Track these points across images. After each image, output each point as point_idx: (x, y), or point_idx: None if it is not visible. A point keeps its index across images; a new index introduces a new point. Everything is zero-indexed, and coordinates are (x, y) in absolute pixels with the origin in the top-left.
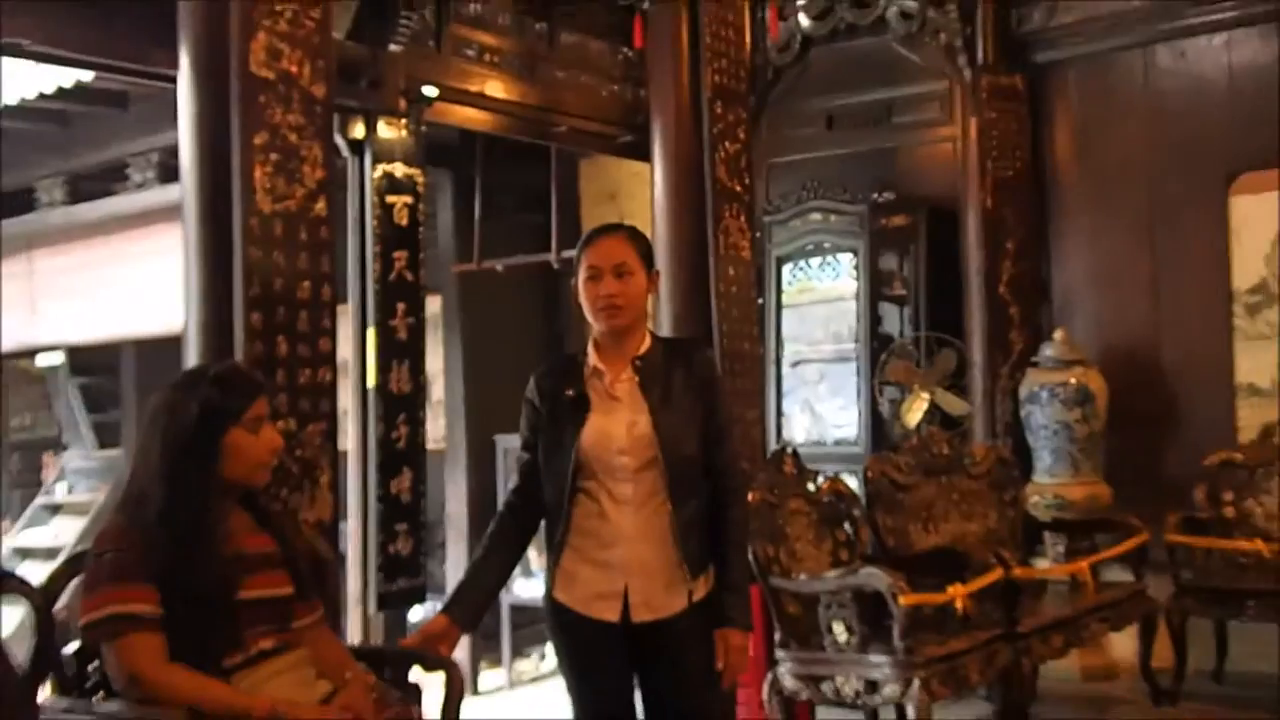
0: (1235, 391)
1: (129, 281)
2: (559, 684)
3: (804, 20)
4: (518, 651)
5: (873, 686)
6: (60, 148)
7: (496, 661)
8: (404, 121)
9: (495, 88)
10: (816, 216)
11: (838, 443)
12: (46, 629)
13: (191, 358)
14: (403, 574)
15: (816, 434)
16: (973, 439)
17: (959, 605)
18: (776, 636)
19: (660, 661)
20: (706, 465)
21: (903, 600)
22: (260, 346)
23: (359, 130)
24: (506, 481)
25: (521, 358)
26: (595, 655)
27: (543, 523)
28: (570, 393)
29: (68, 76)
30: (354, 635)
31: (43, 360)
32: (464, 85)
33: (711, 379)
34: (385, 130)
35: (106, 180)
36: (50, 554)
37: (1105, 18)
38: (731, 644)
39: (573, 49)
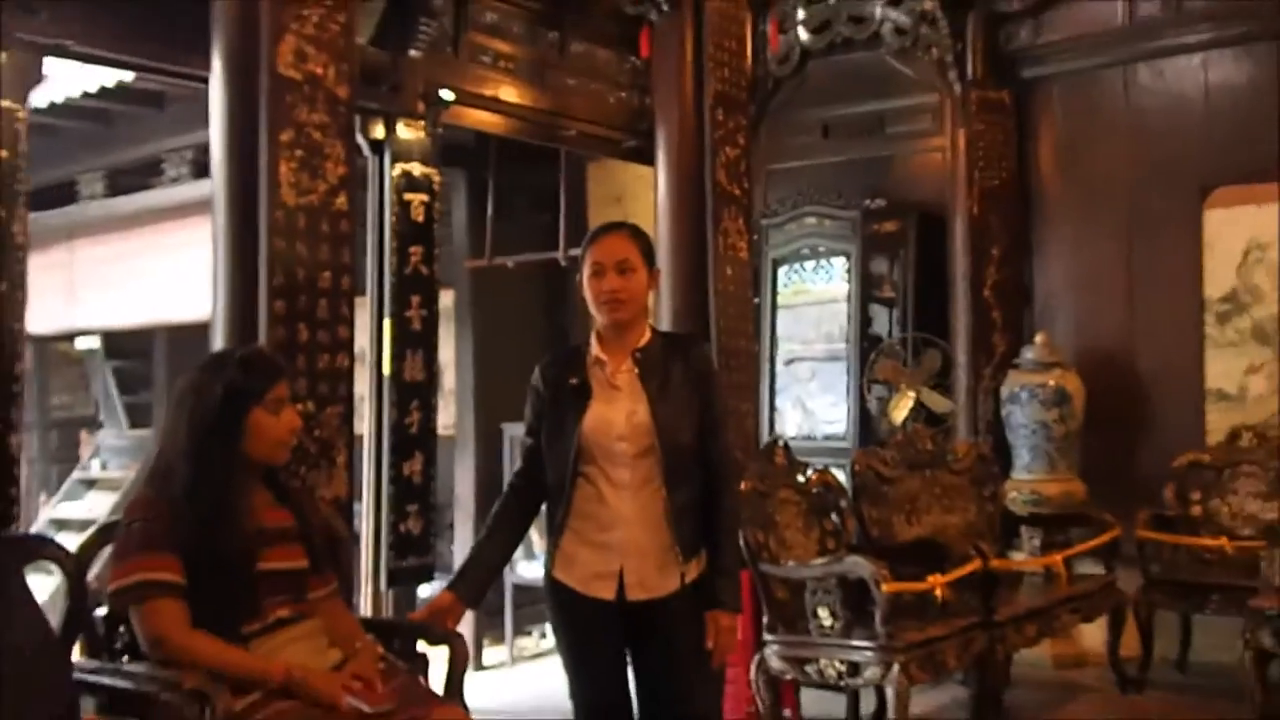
0: (1205, 396)
1: (162, 271)
2: (558, 661)
3: (803, 34)
4: (520, 629)
5: (855, 669)
6: (101, 144)
7: (500, 639)
8: (422, 123)
9: (509, 93)
10: (811, 221)
11: (827, 437)
12: (79, 594)
13: (218, 342)
14: (413, 552)
15: (807, 429)
16: (955, 436)
17: (938, 594)
18: (765, 620)
19: (653, 639)
20: (701, 454)
21: (885, 588)
22: (282, 332)
23: (380, 131)
24: (512, 466)
25: (529, 350)
26: (591, 632)
27: (544, 505)
28: (574, 381)
29: (109, 77)
30: (365, 609)
31: (81, 343)
32: (479, 90)
33: (707, 372)
34: (404, 131)
35: (143, 175)
36: (84, 526)
37: (1088, 37)
38: (721, 625)
39: (582, 57)
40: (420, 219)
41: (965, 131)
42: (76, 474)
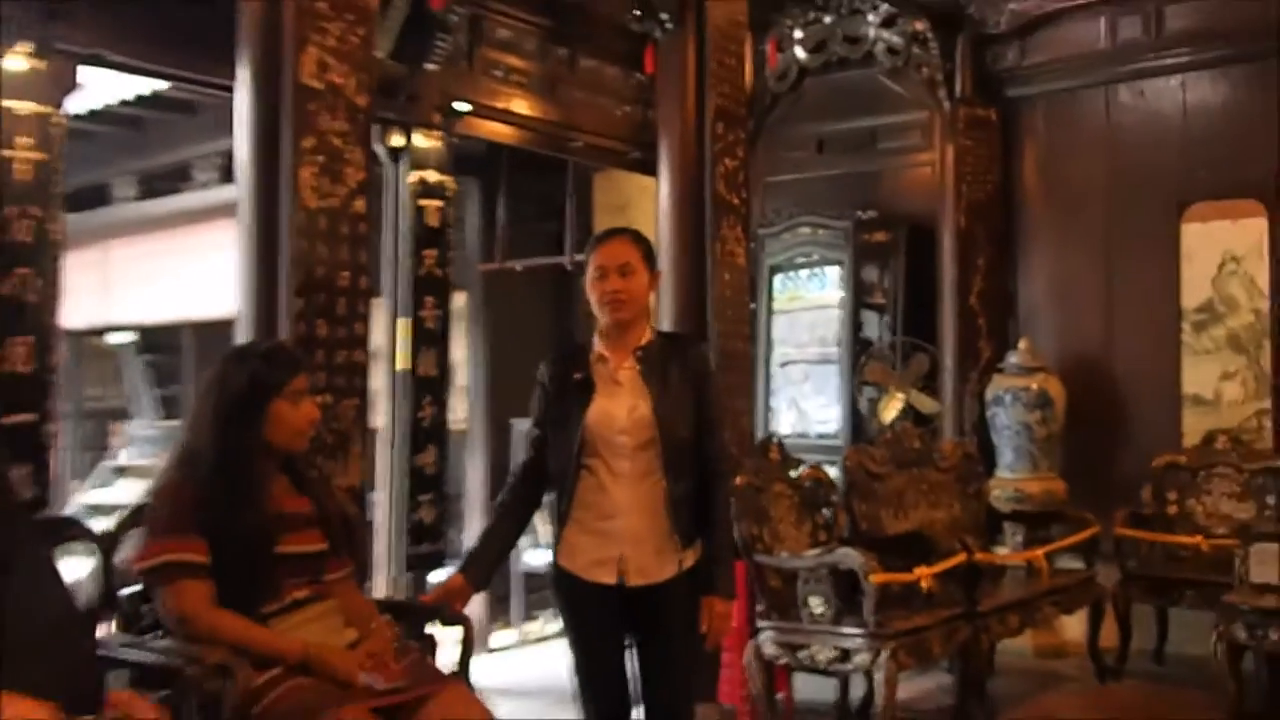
0: (1181, 401)
1: (191, 270)
2: (563, 643)
3: (800, 53)
4: (527, 614)
5: (845, 655)
6: (134, 149)
7: (508, 623)
8: (438, 133)
9: (520, 105)
10: (806, 231)
11: (820, 436)
12: (109, 573)
13: (242, 337)
14: (426, 539)
15: (801, 428)
16: (942, 436)
17: (925, 585)
18: (759, 608)
19: (651, 622)
20: (698, 448)
21: (874, 578)
22: (303, 328)
23: (397, 140)
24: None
25: (537, 349)
26: (593, 615)
27: (548, 494)
28: (578, 376)
29: (142, 85)
30: (381, 591)
31: (114, 338)
32: (492, 102)
33: (705, 371)
34: (420, 140)
35: (174, 179)
36: (115, 511)
37: (1072, 58)
38: (716, 610)
39: (590, 73)
40: (435, 224)
41: (953, 147)
42: (108, 462)
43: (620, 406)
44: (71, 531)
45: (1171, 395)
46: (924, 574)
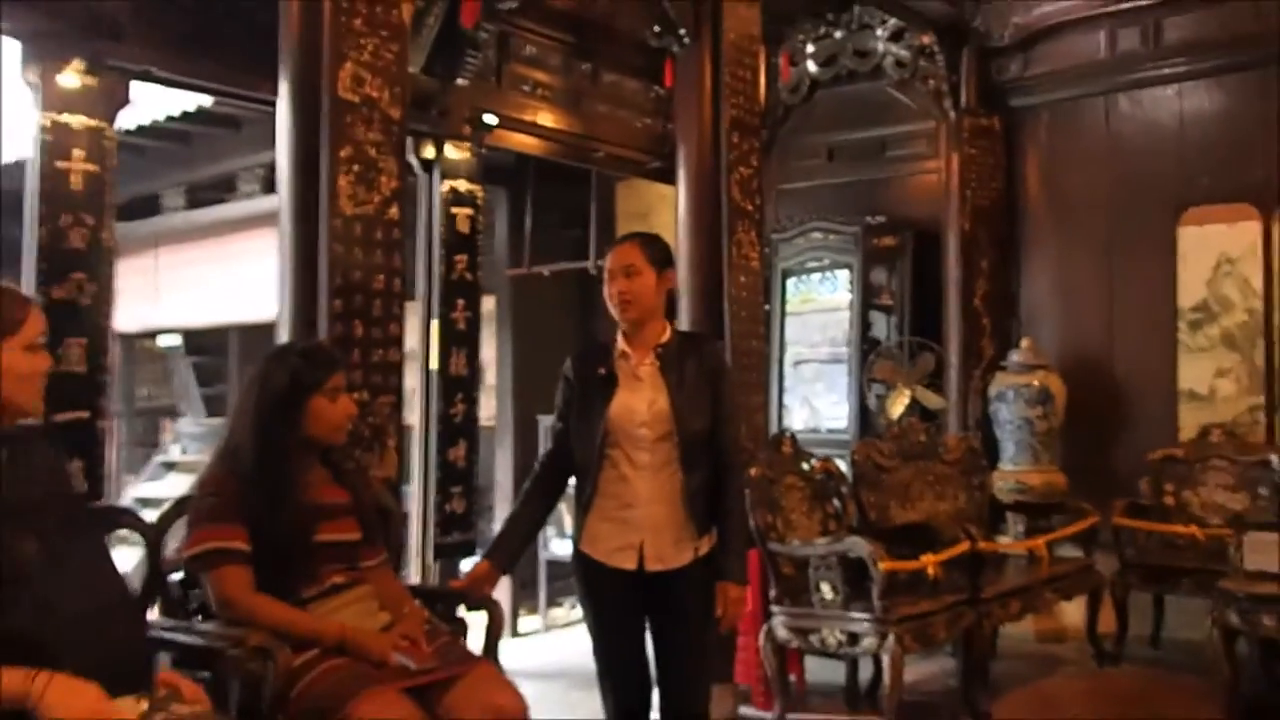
0: (1177, 397)
1: (236, 276)
2: (585, 629)
3: (812, 66)
4: (552, 601)
5: (854, 639)
6: (182, 162)
7: (534, 609)
8: (468, 145)
9: (546, 118)
10: (817, 235)
11: (830, 431)
12: (156, 560)
13: (283, 337)
14: (456, 529)
15: (813, 423)
16: (947, 430)
17: (930, 572)
18: (772, 593)
19: (668, 606)
20: (713, 441)
21: (882, 566)
22: (340, 328)
23: (430, 151)
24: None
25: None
26: (613, 599)
27: (572, 484)
28: (601, 372)
29: (189, 101)
30: (414, 579)
31: (163, 340)
32: (519, 115)
33: (720, 368)
34: (452, 152)
35: (220, 190)
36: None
37: (1072, 69)
38: (730, 595)
39: (612, 86)
40: (465, 231)
41: (958, 155)
42: (158, 457)
43: (640, 400)
44: (124, 520)
45: (1168, 391)
46: (929, 562)
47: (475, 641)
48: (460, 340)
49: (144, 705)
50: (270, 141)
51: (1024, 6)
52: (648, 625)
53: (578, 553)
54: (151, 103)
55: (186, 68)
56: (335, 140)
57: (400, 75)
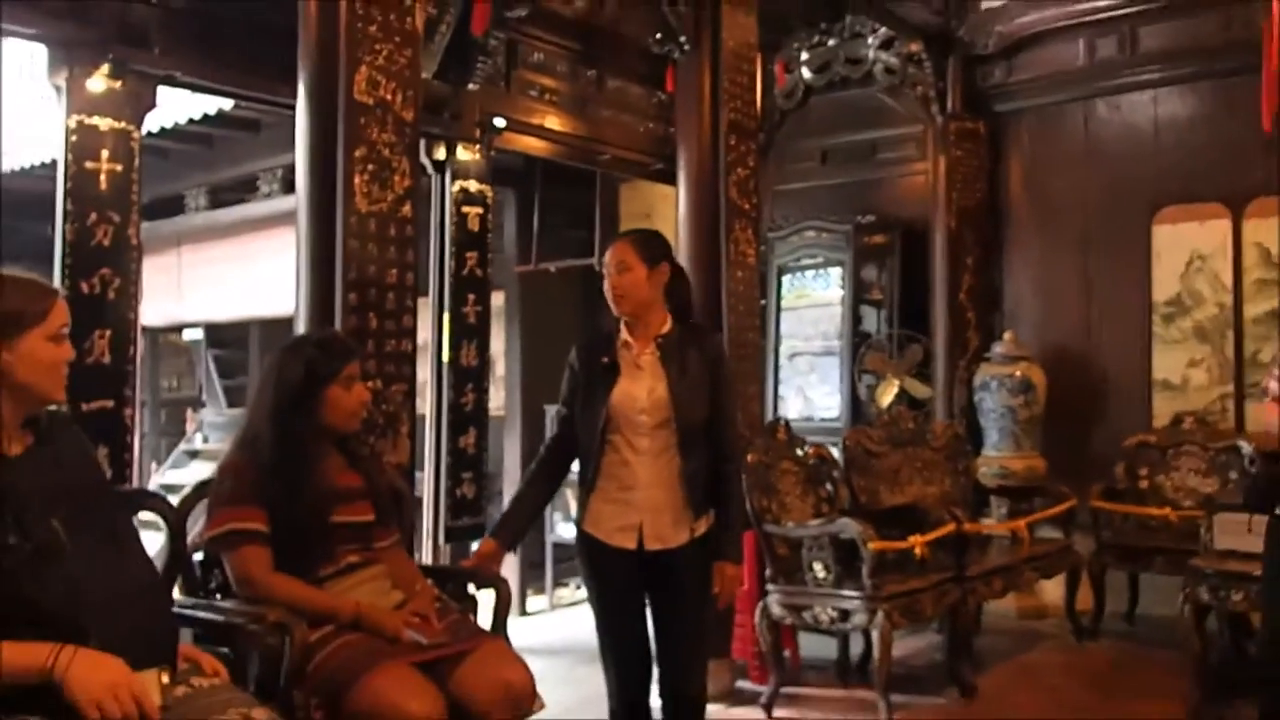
0: (1152, 386)
1: (257, 273)
2: (589, 608)
3: (806, 73)
4: (558, 581)
5: (845, 615)
6: (204, 163)
7: (541, 589)
8: (478, 147)
9: (552, 121)
10: (811, 234)
11: (823, 419)
12: (179, 541)
13: (301, 328)
14: (466, 513)
15: (807, 413)
16: (934, 418)
17: (918, 552)
18: (767, 572)
19: (666, 583)
20: (710, 428)
21: (871, 546)
22: (355, 320)
23: (441, 153)
24: None
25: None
26: (615, 577)
27: (575, 467)
28: (605, 360)
29: (212, 105)
30: (426, 560)
31: (187, 335)
32: (527, 119)
33: (719, 358)
34: (462, 153)
35: (241, 191)
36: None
37: (1053, 76)
38: (726, 574)
39: (616, 92)
40: (475, 229)
41: (945, 158)
42: (182, 446)
43: (641, 388)
44: (149, 503)
45: (1143, 381)
46: (917, 542)
47: (484, 618)
48: (470, 333)
49: (166, 678)
50: (289, 144)
51: (1007, 16)
52: (648, 602)
53: (581, 532)
54: (175, 106)
55: (209, 73)
56: (351, 141)
57: (413, 79)
